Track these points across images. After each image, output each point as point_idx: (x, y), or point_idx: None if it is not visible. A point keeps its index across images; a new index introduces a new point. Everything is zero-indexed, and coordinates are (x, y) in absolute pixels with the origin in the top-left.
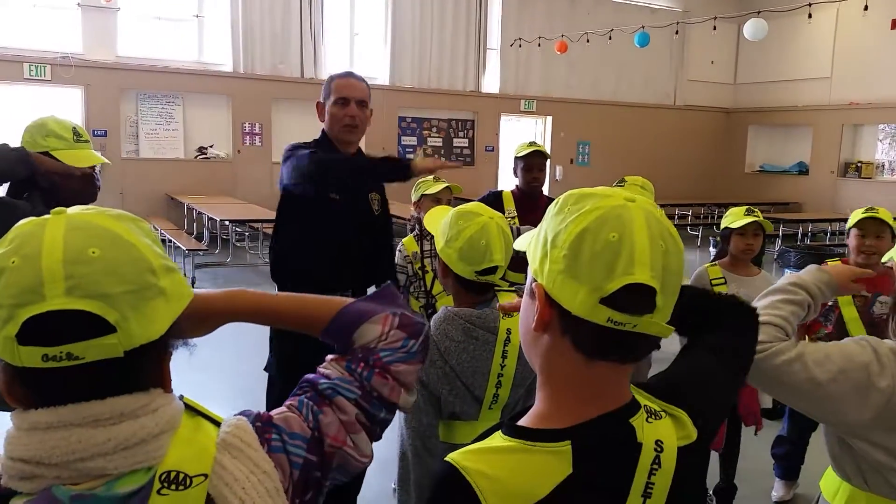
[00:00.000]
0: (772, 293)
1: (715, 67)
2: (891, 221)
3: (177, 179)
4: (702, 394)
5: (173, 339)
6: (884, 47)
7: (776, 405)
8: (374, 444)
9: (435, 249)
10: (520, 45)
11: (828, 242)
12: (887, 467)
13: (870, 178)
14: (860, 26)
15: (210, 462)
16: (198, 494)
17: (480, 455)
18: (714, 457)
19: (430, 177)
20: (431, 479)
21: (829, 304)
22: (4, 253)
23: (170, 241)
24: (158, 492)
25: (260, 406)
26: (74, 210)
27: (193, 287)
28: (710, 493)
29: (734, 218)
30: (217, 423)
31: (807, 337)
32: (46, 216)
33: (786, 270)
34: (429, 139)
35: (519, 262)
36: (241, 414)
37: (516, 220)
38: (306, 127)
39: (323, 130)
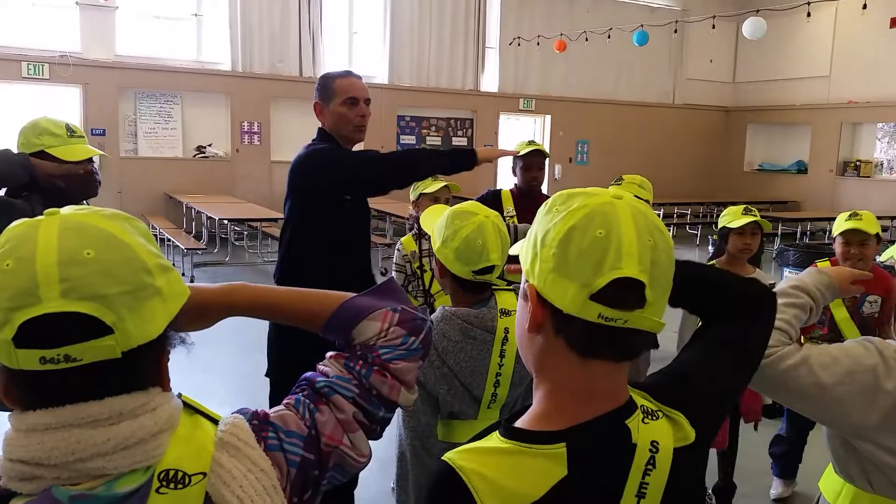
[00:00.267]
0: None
1: (714, 66)
2: (874, 227)
3: (175, 178)
4: (704, 393)
5: (171, 334)
6: (882, 46)
7: (775, 402)
8: (373, 444)
9: (433, 248)
10: (518, 44)
11: (827, 241)
12: (894, 469)
13: (868, 177)
14: (859, 25)
15: (208, 460)
16: (196, 493)
17: (477, 455)
18: (713, 455)
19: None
20: (428, 477)
21: None
22: None
23: (168, 240)
24: (157, 490)
25: (259, 405)
26: (68, 211)
27: (192, 284)
28: (709, 491)
29: (732, 217)
30: (215, 421)
31: (802, 338)
32: (39, 217)
33: (784, 269)
34: (427, 138)
35: (516, 260)
36: (237, 412)
37: (515, 219)
38: (305, 126)
39: (323, 130)
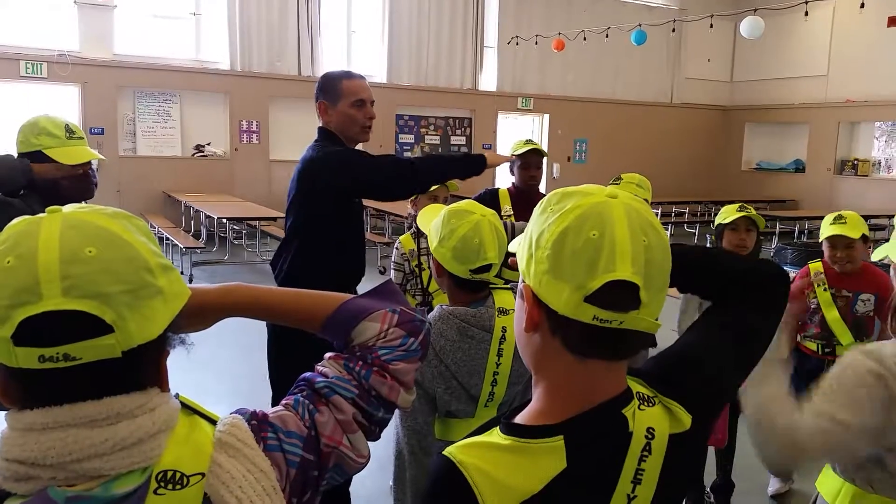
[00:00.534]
0: (765, 377)
1: (712, 65)
2: (858, 230)
3: (174, 177)
4: (702, 376)
5: (170, 334)
6: (880, 44)
7: None
8: (371, 443)
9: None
10: (517, 43)
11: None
12: None
13: (866, 176)
14: (856, 24)
15: (207, 461)
16: (195, 494)
17: (477, 450)
18: (711, 453)
19: None
20: (429, 472)
21: (813, 306)
22: None
23: (167, 239)
24: (155, 492)
25: (258, 405)
26: (70, 209)
27: (190, 284)
28: (708, 489)
29: (727, 214)
30: (213, 422)
31: (798, 336)
32: (41, 215)
33: (783, 268)
34: (426, 137)
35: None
36: (236, 412)
37: (512, 217)
38: (304, 125)
39: (325, 129)
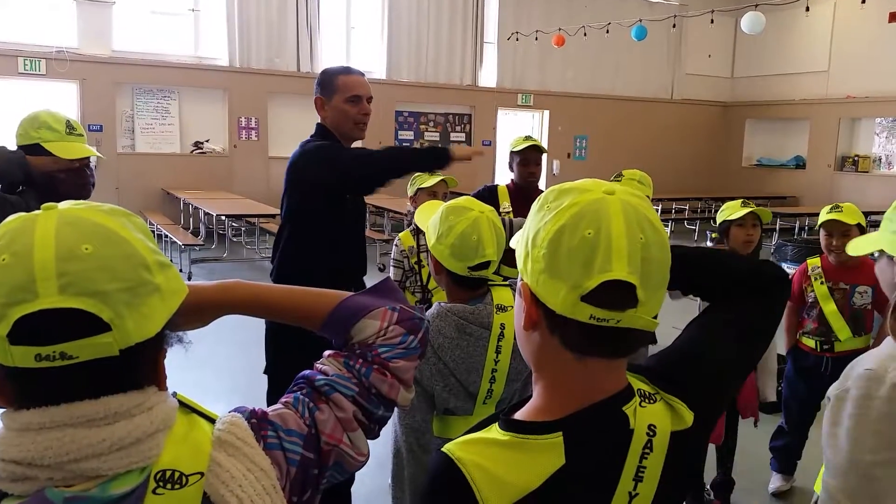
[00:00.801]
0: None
1: (712, 61)
2: (854, 218)
3: (173, 174)
4: (704, 374)
5: (168, 332)
6: (881, 40)
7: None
8: (370, 441)
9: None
10: (517, 39)
11: None
12: None
13: (867, 172)
14: (858, 20)
15: (206, 460)
16: (194, 493)
17: (476, 446)
18: (711, 450)
19: None
20: (427, 469)
21: (810, 300)
22: None
23: (166, 236)
24: (154, 491)
25: (256, 403)
26: (66, 205)
27: (188, 282)
28: (708, 487)
29: (731, 211)
30: (211, 420)
31: (798, 333)
32: (37, 212)
33: (783, 264)
34: (426, 133)
35: (513, 255)
36: (235, 410)
37: (511, 214)
38: (303, 121)
39: (322, 126)
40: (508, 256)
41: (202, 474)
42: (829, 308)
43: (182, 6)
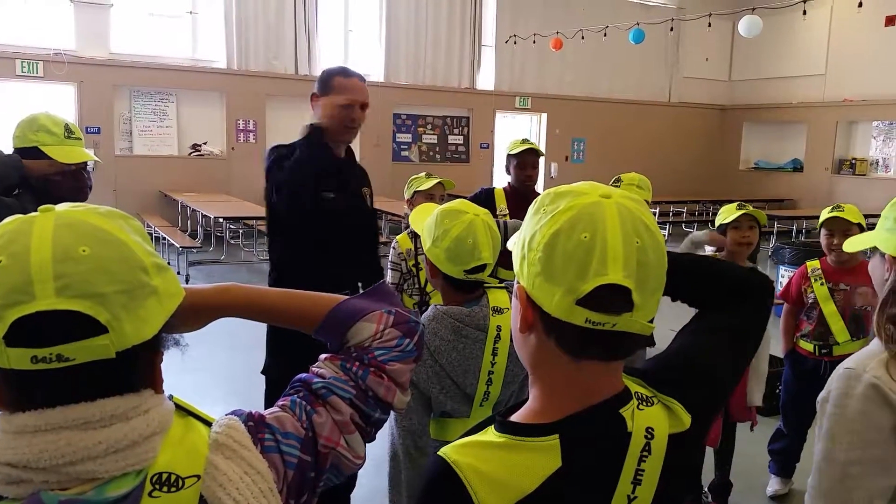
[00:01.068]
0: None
1: (710, 64)
2: (856, 217)
3: (170, 177)
4: (699, 377)
5: (164, 335)
6: (878, 44)
7: (772, 401)
8: (368, 443)
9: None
10: (515, 42)
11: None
12: None
13: (864, 175)
14: (854, 23)
15: (202, 463)
16: (190, 496)
17: (472, 449)
18: (709, 453)
19: (423, 174)
20: (424, 473)
21: (810, 301)
22: None
23: (163, 238)
24: (150, 494)
25: (253, 405)
26: (63, 207)
27: (186, 284)
28: (706, 489)
29: (727, 214)
30: (208, 423)
31: (796, 335)
32: (34, 213)
33: (780, 267)
34: (424, 136)
35: (509, 257)
36: (232, 413)
37: (507, 216)
38: (301, 123)
39: (313, 124)
40: (505, 258)
41: (199, 477)
42: (829, 309)
43: (180, 8)
